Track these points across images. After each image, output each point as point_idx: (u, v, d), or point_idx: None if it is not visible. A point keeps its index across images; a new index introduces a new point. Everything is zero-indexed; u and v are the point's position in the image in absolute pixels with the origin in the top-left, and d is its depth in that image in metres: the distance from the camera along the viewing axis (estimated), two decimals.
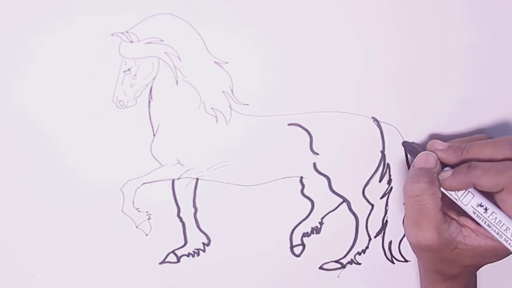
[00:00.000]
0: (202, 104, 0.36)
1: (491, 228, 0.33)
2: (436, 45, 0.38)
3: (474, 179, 0.33)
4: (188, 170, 0.38)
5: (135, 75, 0.35)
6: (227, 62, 0.36)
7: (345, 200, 0.41)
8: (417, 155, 0.37)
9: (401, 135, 0.40)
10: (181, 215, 0.39)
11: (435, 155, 0.35)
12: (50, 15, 0.33)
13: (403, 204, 0.42)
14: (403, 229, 0.43)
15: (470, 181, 0.33)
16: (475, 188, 0.34)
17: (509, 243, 0.33)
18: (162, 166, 0.37)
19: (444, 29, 0.38)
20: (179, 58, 0.35)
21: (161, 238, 0.39)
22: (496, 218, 0.33)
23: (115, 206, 0.38)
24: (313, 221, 0.41)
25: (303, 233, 0.42)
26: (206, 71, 0.36)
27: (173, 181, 0.38)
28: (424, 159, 0.35)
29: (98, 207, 0.37)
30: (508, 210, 0.33)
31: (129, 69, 0.35)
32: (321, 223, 0.42)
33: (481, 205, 0.34)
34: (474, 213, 0.34)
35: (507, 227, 0.33)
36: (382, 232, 0.43)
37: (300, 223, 0.41)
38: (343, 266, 0.44)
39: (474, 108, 0.41)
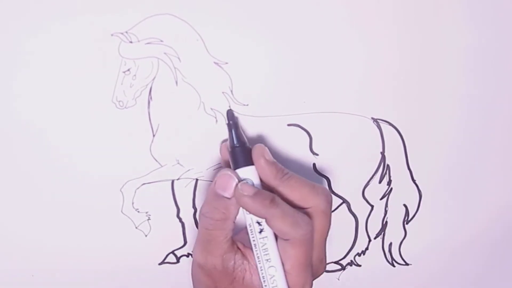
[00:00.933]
0: (202, 104, 0.36)
1: (256, 249, 0.32)
2: (436, 45, 0.38)
3: (269, 216, 0.31)
4: (188, 170, 0.38)
5: (134, 75, 0.35)
6: (226, 63, 0.36)
7: (345, 201, 0.41)
8: (235, 136, 0.33)
9: (401, 136, 0.40)
10: (180, 215, 0.39)
11: (236, 179, 0.32)
12: (50, 15, 0.33)
13: (403, 205, 0.43)
14: (403, 230, 0.43)
15: (264, 215, 0.31)
16: None
17: (263, 277, 0.31)
18: (162, 166, 0.37)
19: (444, 29, 0.38)
20: (178, 58, 0.35)
21: (161, 238, 0.39)
22: (265, 244, 0.31)
23: (115, 206, 0.38)
24: None
25: None
26: (206, 72, 0.36)
27: (172, 181, 0.38)
28: (223, 184, 0.32)
29: (97, 208, 0.37)
30: (284, 259, 0.31)
31: (128, 70, 0.35)
32: None
33: (259, 224, 0.31)
34: (250, 225, 0.32)
35: (269, 258, 0.31)
36: (382, 233, 0.43)
37: None
38: (343, 268, 0.44)
39: (474, 108, 0.41)
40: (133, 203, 0.38)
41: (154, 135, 0.36)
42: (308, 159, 0.39)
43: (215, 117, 0.37)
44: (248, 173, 0.32)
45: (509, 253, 0.47)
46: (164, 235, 0.39)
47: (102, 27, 0.33)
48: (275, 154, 0.38)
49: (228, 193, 0.32)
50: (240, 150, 0.33)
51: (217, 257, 0.32)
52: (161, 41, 0.34)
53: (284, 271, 0.32)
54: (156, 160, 0.37)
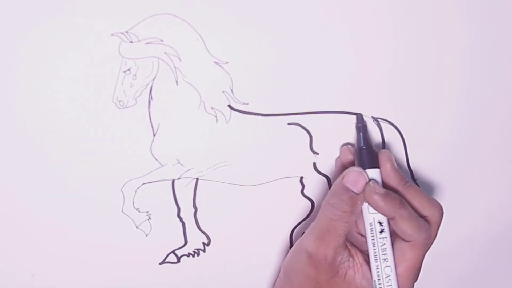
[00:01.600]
0: (202, 104, 0.36)
1: (374, 248, 0.33)
2: (436, 44, 0.38)
3: (398, 216, 0.32)
4: (188, 170, 0.38)
5: (135, 75, 0.35)
6: (227, 62, 0.36)
7: None
8: (363, 139, 0.35)
9: (401, 134, 0.40)
10: (181, 215, 0.39)
11: (366, 178, 0.34)
12: (49, 16, 0.33)
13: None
14: None
15: (392, 215, 0.32)
16: None
17: (378, 276, 0.33)
18: (162, 166, 0.37)
19: (444, 28, 0.38)
20: (179, 58, 0.35)
21: (161, 238, 0.39)
22: (384, 244, 0.33)
23: (115, 206, 0.38)
24: (313, 221, 0.41)
25: (304, 233, 0.42)
26: (206, 71, 0.36)
27: (173, 181, 0.38)
28: (354, 180, 0.34)
29: (98, 207, 0.37)
30: (399, 259, 0.33)
31: (129, 69, 0.35)
32: None
33: (380, 224, 0.33)
34: (371, 224, 0.33)
35: (386, 258, 0.33)
36: None
37: (300, 223, 0.41)
38: None
39: (474, 108, 0.41)
40: (133, 203, 0.38)
41: (154, 135, 0.36)
42: (308, 158, 0.39)
43: (216, 117, 0.37)
44: (373, 174, 0.34)
45: (508, 253, 0.47)
46: (165, 235, 0.39)
47: (102, 26, 0.33)
48: (275, 153, 0.38)
49: (356, 189, 0.33)
50: (367, 152, 0.35)
51: (331, 248, 0.33)
52: (162, 41, 0.34)
53: (396, 273, 0.33)
54: (157, 160, 0.37)
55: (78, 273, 0.39)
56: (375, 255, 0.33)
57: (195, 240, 0.39)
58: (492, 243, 0.46)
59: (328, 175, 0.40)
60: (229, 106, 0.37)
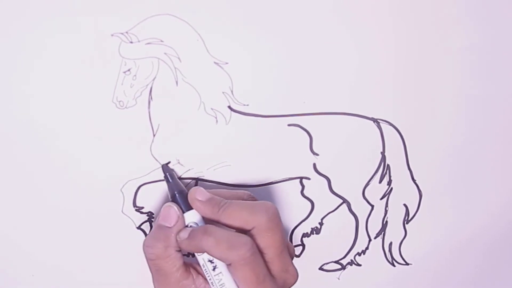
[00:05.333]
0: (202, 104, 0.36)
1: (213, 287, 0.32)
2: (436, 45, 0.38)
3: (205, 247, 0.31)
4: (188, 170, 0.38)
5: (135, 75, 0.35)
6: (227, 63, 0.36)
7: (345, 200, 0.41)
8: (172, 186, 0.35)
9: (401, 135, 0.40)
10: None
11: (177, 210, 0.33)
12: (49, 16, 0.33)
13: (403, 204, 0.43)
14: (403, 230, 0.43)
15: (202, 248, 0.32)
16: None
17: None
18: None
19: (444, 29, 0.38)
20: (179, 58, 0.35)
21: None
22: (221, 280, 0.32)
23: (115, 206, 0.38)
24: (313, 222, 0.42)
25: (303, 234, 0.42)
26: (206, 72, 0.36)
27: None
28: (165, 215, 0.34)
29: (98, 208, 0.37)
30: (237, 283, 0.32)
31: (129, 70, 0.35)
32: (321, 224, 0.42)
33: (211, 261, 0.32)
34: (203, 266, 0.33)
35: None
36: (382, 233, 0.43)
37: (300, 223, 0.41)
38: (343, 267, 0.44)
39: (474, 108, 0.41)
40: (133, 203, 0.38)
41: (154, 135, 0.36)
42: (308, 159, 0.39)
43: (216, 117, 0.37)
44: (191, 216, 0.34)
45: (508, 253, 0.48)
46: None
47: (102, 27, 0.33)
48: (275, 154, 0.38)
49: (169, 223, 0.33)
50: (180, 197, 0.34)
51: (173, 286, 0.33)
52: (161, 41, 0.34)
53: None
54: (157, 160, 0.37)
55: (78, 273, 0.39)
56: None
57: None
58: (493, 243, 0.46)
59: (328, 176, 0.40)
60: (229, 107, 0.37)
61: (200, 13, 0.34)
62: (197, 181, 0.38)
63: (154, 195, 0.38)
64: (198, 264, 0.34)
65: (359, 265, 0.44)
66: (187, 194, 0.34)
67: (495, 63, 0.40)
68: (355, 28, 0.37)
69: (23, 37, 0.33)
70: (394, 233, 0.43)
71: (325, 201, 0.41)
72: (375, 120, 0.39)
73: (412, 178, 0.42)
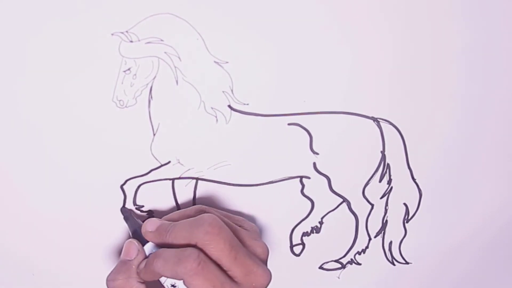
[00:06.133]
0: (202, 104, 0.36)
1: None
2: (436, 44, 0.38)
3: (158, 270, 0.32)
4: (188, 170, 0.38)
5: (135, 74, 0.35)
6: (227, 62, 0.36)
7: (345, 200, 0.41)
8: (130, 225, 0.37)
9: (401, 135, 0.40)
10: None
11: (136, 244, 0.35)
12: (50, 15, 0.33)
13: (403, 204, 0.43)
14: (403, 229, 0.43)
15: (157, 272, 0.32)
16: None
17: None
18: (162, 165, 0.37)
19: (444, 28, 0.38)
20: (179, 57, 0.35)
21: None
22: None
23: (115, 206, 0.38)
24: (313, 221, 0.42)
25: (303, 233, 0.42)
26: (206, 71, 0.36)
27: (173, 180, 0.38)
28: (126, 250, 0.35)
29: (98, 207, 0.37)
30: None
31: (129, 69, 0.35)
32: (321, 223, 0.42)
33: (173, 286, 0.33)
34: None
35: None
36: (382, 232, 0.43)
37: (300, 222, 0.41)
38: (343, 266, 0.44)
39: (474, 108, 0.41)
40: (133, 202, 0.38)
41: (154, 134, 0.36)
42: (308, 158, 0.39)
43: (216, 117, 0.37)
44: (150, 247, 0.35)
45: (508, 253, 0.48)
46: None
47: (102, 26, 0.33)
48: (275, 153, 0.38)
49: (129, 257, 0.34)
50: (138, 234, 0.35)
51: None
52: (162, 40, 0.34)
53: None
54: (157, 159, 0.37)
55: (78, 272, 0.39)
56: None
57: None
58: (492, 242, 0.46)
59: (328, 175, 0.40)
60: (229, 106, 0.37)
61: (200, 12, 0.34)
62: (197, 180, 0.38)
63: (154, 194, 0.38)
64: None
65: (359, 264, 0.44)
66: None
67: (495, 62, 0.40)
68: (356, 28, 0.37)
69: (23, 37, 0.33)
70: (394, 232, 0.43)
71: (325, 200, 0.41)
72: (375, 119, 0.39)
73: (412, 177, 0.42)
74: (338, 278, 0.44)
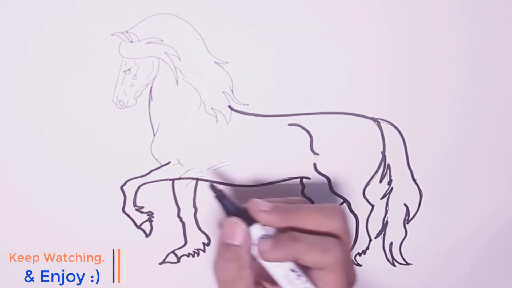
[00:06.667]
0: (202, 104, 0.36)
1: None
2: (436, 44, 0.38)
3: (297, 253, 0.29)
4: (188, 170, 0.38)
5: (135, 75, 0.35)
6: (227, 62, 0.36)
7: (345, 200, 0.41)
8: (228, 205, 0.32)
9: (401, 135, 0.40)
10: (181, 215, 0.39)
11: (242, 225, 0.31)
12: (50, 15, 0.33)
13: (404, 204, 0.43)
14: (404, 230, 0.43)
15: (293, 256, 0.30)
16: None
17: None
18: (162, 166, 0.37)
19: (444, 28, 0.38)
20: (179, 58, 0.35)
21: (161, 238, 0.39)
22: (308, 287, 0.30)
23: (116, 206, 0.38)
24: None
25: None
26: (206, 71, 0.36)
27: (173, 181, 0.38)
28: (230, 233, 0.31)
29: (98, 207, 0.37)
30: (322, 285, 0.30)
31: (129, 69, 0.35)
32: None
33: (293, 271, 0.30)
34: (286, 277, 0.30)
35: None
36: (383, 232, 0.43)
37: None
38: None
39: (474, 108, 0.41)
40: (134, 203, 0.38)
41: (154, 135, 0.36)
42: (308, 158, 0.39)
43: (216, 117, 0.37)
44: (256, 230, 0.31)
45: (508, 253, 0.47)
46: (165, 235, 0.39)
47: (102, 26, 0.33)
48: (275, 154, 0.38)
49: (237, 241, 0.31)
50: (238, 215, 0.32)
51: None
52: (162, 40, 0.34)
53: None
54: (157, 160, 0.37)
55: (78, 272, 0.39)
56: None
57: (195, 240, 0.39)
58: (493, 242, 0.46)
59: (328, 176, 0.40)
60: (229, 106, 0.37)
61: (200, 13, 0.34)
62: (197, 181, 0.38)
63: (154, 194, 0.38)
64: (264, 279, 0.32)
65: (359, 265, 0.44)
66: (244, 209, 0.32)
67: (495, 63, 0.40)
68: (356, 28, 0.37)
69: (23, 37, 0.33)
70: (394, 233, 0.43)
71: (325, 201, 0.41)
72: (375, 120, 0.39)
73: (413, 178, 0.42)
74: None
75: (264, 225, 0.31)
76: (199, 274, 0.41)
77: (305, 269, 0.31)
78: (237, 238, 0.30)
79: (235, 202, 0.32)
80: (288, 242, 0.30)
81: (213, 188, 0.33)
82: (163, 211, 0.39)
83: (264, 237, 0.31)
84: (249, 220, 0.31)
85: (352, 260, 0.33)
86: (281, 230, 0.31)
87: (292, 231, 0.31)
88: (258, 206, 0.31)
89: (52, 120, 0.35)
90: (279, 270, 0.30)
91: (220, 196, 0.32)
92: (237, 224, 0.31)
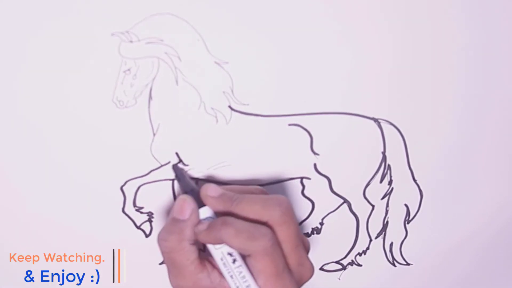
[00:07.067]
0: (202, 104, 0.36)
1: (233, 280, 0.32)
2: (436, 44, 0.38)
3: (224, 237, 0.31)
4: (188, 170, 0.38)
5: (135, 75, 0.35)
6: (227, 62, 0.36)
7: (345, 200, 0.41)
8: (184, 185, 0.35)
9: (402, 135, 0.40)
10: None
11: (192, 203, 0.33)
12: (50, 15, 0.33)
13: (404, 205, 0.43)
14: (404, 230, 0.43)
15: (221, 239, 0.31)
16: None
17: None
18: (162, 166, 0.37)
19: (444, 28, 0.38)
20: (179, 58, 0.35)
21: None
22: (242, 272, 0.32)
23: (115, 206, 0.38)
24: (313, 222, 0.41)
25: (304, 234, 0.42)
26: (206, 71, 0.36)
27: (173, 181, 0.38)
28: (179, 208, 0.33)
29: (98, 208, 0.37)
30: (255, 275, 0.32)
31: (129, 69, 0.35)
32: (321, 224, 0.42)
33: (230, 254, 0.32)
34: (222, 259, 0.32)
35: (249, 285, 0.31)
36: (383, 233, 0.43)
37: (300, 223, 0.41)
38: (344, 267, 0.44)
39: (475, 108, 0.41)
40: (134, 203, 0.38)
41: (154, 135, 0.36)
42: (309, 159, 0.39)
43: (216, 117, 0.37)
44: (205, 211, 0.34)
45: (508, 253, 0.47)
46: None
47: (102, 26, 0.33)
48: (275, 154, 0.38)
49: (183, 216, 0.33)
50: (192, 195, 0.34)
51: (187, 279, 0.33)
52: (162, 40, 0.34)
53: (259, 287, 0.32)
54: (157, 160, 0.37)
55: (78, 272, 0.39)
56: (237, 287, 0.32)
57: None
58: (493, 243, 0.46)
59: (328, 176, 0.40)
60: (229, 106, 0.37)
61: (200, 13, 0.34)
62: (197, 181, 0.38)
63: (154, 195, 0.38)
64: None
65: (359, 265, 0.44)
66: (198, 191, 0.34)
67: (495, 62, 0.40)
68: (356, 28, 0.37)
69: (23, 37, 0.33)
70: (395, 233, 0.43)
71: (325, 201, 0.41)
72: (376, 120, 0.39)
73: (413, 178, 0.42)
74: (339, 279, 0.44)
75: (212, 209, 0.34)
76: None
77: (244, 256, 0.32)
78: (183, 214, 0.33)
79: (192, 184, 0.36)
80: (219, 226, 0.32)
81: (174, 168, 0.37)
82: (163, 211, 0.39)
83: (208, 220, 0.33)
84: (200, 202, 0.34)
85: (303, 251, 0.33)
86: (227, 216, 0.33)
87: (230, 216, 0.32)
88: (207, 190, 0.34)
89: (52, 120, 0.35)
90: (217, 252, 0.32)
91: (178, 176, 0.36)
92: (186, 201, 0.34)
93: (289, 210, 0.32)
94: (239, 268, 0.32)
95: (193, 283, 0.33)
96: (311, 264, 0.34)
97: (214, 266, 0.34)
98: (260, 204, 0.32)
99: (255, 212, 0.32)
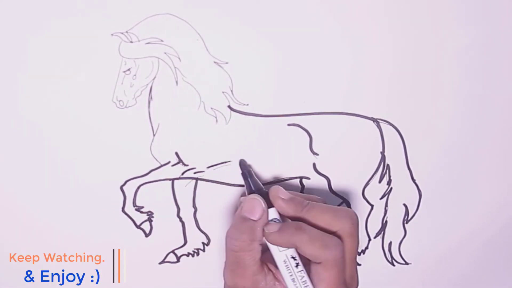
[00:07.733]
0: (202, 104, 0.36)
1: (295, 284, 0.32)
2: (436, 45, 0.38)
3: (298, 242, 0.31)
4: (188, 170, 0.38)
5: (135, 75, 0.35)
6: (227, 62, 0.36)
7: (344, 200, 0.41)
8: (252, 184, 0.35)
9: (401, 135, 0.40)
10: (181, 215, 0.39)
11: (262, 204, 0.33)
12: (50, 15, 0.33)
13: (403, 204, 0.43)
14: (403, 230, 0.43)
15: (294, 243, 0.32)
16: None
17: None
18: (162, 166, 0.37)
19: (444, 28, 0.38)
20: (179, 58, 0.35)
21: (161, 238, 0.39)
22: (303, 277, 0.32)
23: (115, 206, 0.38)
24: None
25: None
26: (206, 71, 0.36)
27: (173, 181, 0.38)
28: (250, 208, 0.33)
29: (98, 207, 0.37)
30: (317, 282, 0.32)
31: (129, 69, 0.35)
32: None
33: (294, 258, 0.32)
34: (285, 262, 0.32)
35: None
36: (382, 232, 0.43)
37: None
38: None
39: (474, 108, 0.41)
40: (133, 203, 0.38)
41: (154, 135, 0.36)
42: (308, 158, 0.39)
43: (215, 117, 0.37)
44: (272, 213, 0.34)
45: (508, 253, 0.48)
46: (165, 235, 0.39)
47: (102, 26, 0.33)
48: (274, 154, 0.38)
49: (254, 216, 0.33)
50: (259, 195, 0.34)
51: (247, 279, 0.33)
52: (161, 40, 0.34)
53: None
54: (157, 160, 0.37)
55: (78, 272, 0.39)
56: None
57: (195, 239, 0.40)
58: (492, 242, 0.46)
59: (327, 176, 0.40)
60: (229, 106, 0.37)
61: (200, 13, 0.34)
62: (197, 181, 0.38)
63: (154, 194, 0.38)
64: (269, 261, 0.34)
65: (358, 264, 0.44)
66: (266, 192, 0.34)
67: (495, 63, 0.40)
68: (355, 29, 0.37)
69: (23, 37, 0.33)
70: (393, 232, 0.43)
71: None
72: (375, 120, 0.39)
73: (412, 178, 0.42)
74: None
75: (279, 211, 0.33)
76: (199, 273, 0.41)
77: (305, 262, 0.33)
78: (254, 213, 0.33)
79: (259, 183, 0.35)
80: (293, 230, 0.32)
81: (241, 165, 0.36)
82: (163, 211, 0.39)
83: (275, 221, 0.33)
84: (268, 203, 0.34)
85: (356, 265, 0.34)
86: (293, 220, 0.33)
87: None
88: (277, 192, 0.34)
89: (52, 120, 0.35)
90: (281, 254, 0.32)
91: (245, 174, 0.35)
92: (258, 201, 0.33)
93: (357, 224, 0.33)
94: (301, 273, 0.32)
95: (251, 283, 0.33)
96: (358, 278, 0.34)
97: (270, 269, 0.34)
98: (331, 214, 0.33)
99: (326, 221, 0.33)
